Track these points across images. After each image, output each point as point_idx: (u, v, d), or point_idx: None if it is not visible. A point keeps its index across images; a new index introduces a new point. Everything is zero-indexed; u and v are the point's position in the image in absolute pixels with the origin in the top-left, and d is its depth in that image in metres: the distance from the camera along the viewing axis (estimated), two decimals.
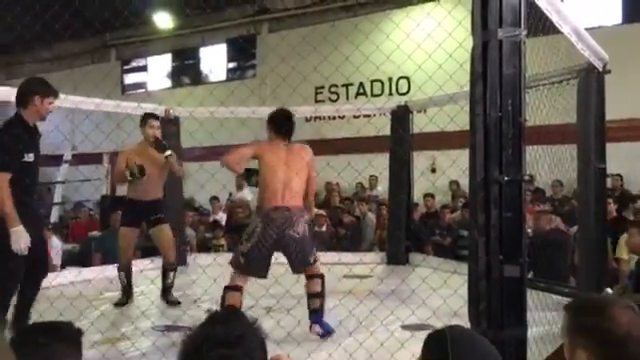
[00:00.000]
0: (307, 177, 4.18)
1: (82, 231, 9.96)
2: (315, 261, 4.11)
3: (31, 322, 1.73)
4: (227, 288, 3.98)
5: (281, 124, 4.23)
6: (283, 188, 4.02)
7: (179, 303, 5.00)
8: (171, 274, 5.23)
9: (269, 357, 1.48)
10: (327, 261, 5.64)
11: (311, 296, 4.05)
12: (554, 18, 3.36)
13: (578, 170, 4.76)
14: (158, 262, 6.48)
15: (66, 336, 1.64)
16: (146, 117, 5.32)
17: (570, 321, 1.69)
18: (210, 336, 1.33)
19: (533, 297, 3.71)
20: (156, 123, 5.26)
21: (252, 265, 3.96)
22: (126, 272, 5.16)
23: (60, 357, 1.58)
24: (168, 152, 5.07)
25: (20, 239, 3.54)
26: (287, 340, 3.54)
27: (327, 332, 3.98)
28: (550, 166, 4.94)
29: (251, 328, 1.42)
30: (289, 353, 3.26)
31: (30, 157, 3.69)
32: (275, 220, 3.94)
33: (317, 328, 3.94)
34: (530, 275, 5.75)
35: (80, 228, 10.29)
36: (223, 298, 3.95)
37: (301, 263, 4.05)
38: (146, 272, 5.53)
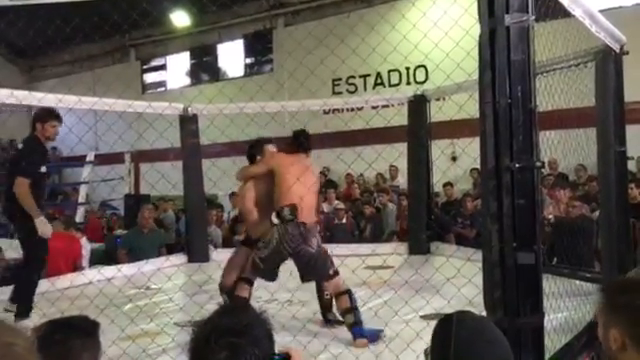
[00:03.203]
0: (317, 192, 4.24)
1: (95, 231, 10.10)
2: (336, 273, 4.01)
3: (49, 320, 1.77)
4: (241, 279, 4.04)
5: (301, 139, 4.30)
6: (300, 203, 3.95)
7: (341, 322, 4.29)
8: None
9: (282, 348, 1.50)
10: (344, 253, 5.68)
11: (344, 313, 3.96)
12: (565, 1, 3.30)
13: (598, 153, 4.69)
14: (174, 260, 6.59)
15: (82, 331, 1.68)
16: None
17: (604, 301, 1.67)
18: (218, 326, 1.38)
19: (557, 284, 3.68)
20: None
21: (265, 271, 4.02)
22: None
23: (77, 352, 1.61)
24: None
25: (44, 226, 4.50)
26: (303, 332, 3.56)
27: (374, 338, 3.83)
28: (571, 150, 4.88)
29: (258, 319, 1.46)
30: (305, 345, 3.30)
31: (44, 169, 4.64)
32: (293, 235, 3.91)
33: (364, 341, 3.79)
34: (554, 262, 5.73)
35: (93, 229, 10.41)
36: (234, 288, 4.01)
37: (319, 275, 4.05)
38: (163, 269, 5.60)
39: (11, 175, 4.55)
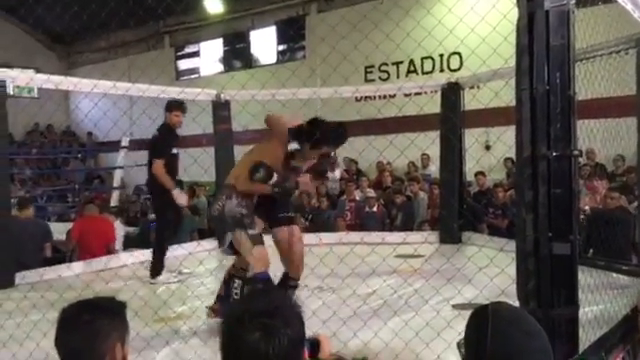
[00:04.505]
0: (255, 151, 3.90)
1: None
2: (234, 251, 3.87)
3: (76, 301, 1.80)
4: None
5: None
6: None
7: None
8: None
9: (311, 334, 1.51)
10: (375, 241, 5.66)
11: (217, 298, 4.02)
12: None
13: (638, 143, 4.57)
14: (205, 245, 6.68)
15: (109, 311, 1.70)
16: None
17: None
18: (250, 308, 1.40)
19: (593, 276, 3.61)
20: None
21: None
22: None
23: (106, 332, 1.63)
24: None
25: (180, 196, 5.44)
26: (333, 319, 3.56)
27: None
28: (610, 140, 4.76)
29: (288, 300, 1.48)
30: (335, 332, 3.30)
31: (174, 151, 5.51)
32: None
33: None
34: (589, 253, 5.62)
35: None
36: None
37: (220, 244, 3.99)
38: (195, 254, 5.68)
39: (150, 158, 5.51)
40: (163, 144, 5.47)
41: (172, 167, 5.53)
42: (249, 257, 3.72)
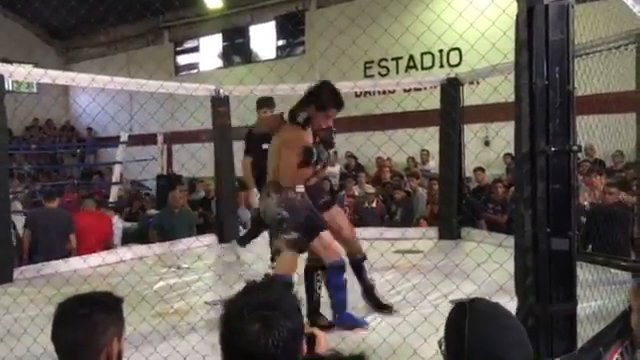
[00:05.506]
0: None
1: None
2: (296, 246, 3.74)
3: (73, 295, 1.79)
4: None
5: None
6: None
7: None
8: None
9: (306, 329, 1.51)
10: (373, 236, 5.67)
11: None
12: None
13: (637, 139, 4.56)
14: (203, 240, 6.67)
15: (106, 306, 1.69)
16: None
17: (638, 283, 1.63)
18: (250, 301, 1.41)
19: (591, 271, 3.60)
20: None
21: None
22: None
23: (103, 326, 1.63)
24: None
25: (251, 197, 5.55)
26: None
27: None
28: (609, 136, 4.74)
29: (287, 294, 1.50)
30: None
31: (265, 146, 4.84)
32: None
33: None
34: (588, 249, 5.61)
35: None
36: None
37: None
38: (193, 249, 5.67)
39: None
40: (249, 141, 5.58)
41: (263, 162, 5.47)
42: (281, 257, 3.79)
